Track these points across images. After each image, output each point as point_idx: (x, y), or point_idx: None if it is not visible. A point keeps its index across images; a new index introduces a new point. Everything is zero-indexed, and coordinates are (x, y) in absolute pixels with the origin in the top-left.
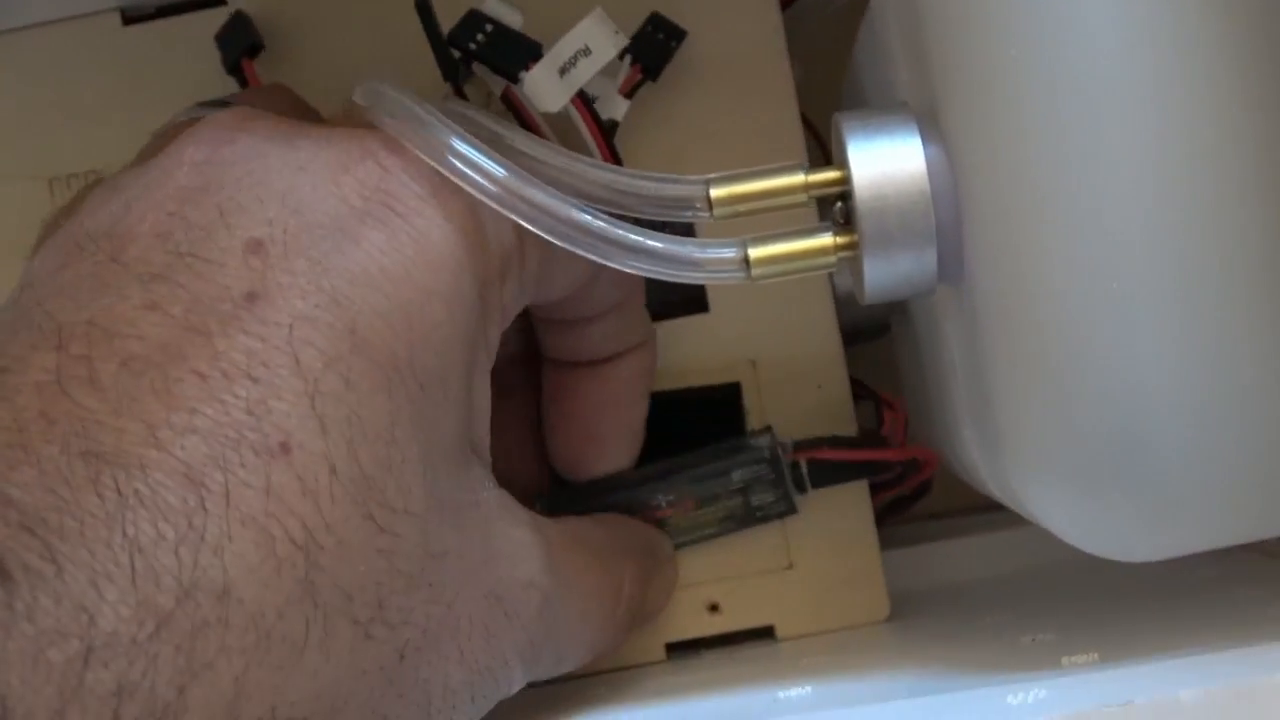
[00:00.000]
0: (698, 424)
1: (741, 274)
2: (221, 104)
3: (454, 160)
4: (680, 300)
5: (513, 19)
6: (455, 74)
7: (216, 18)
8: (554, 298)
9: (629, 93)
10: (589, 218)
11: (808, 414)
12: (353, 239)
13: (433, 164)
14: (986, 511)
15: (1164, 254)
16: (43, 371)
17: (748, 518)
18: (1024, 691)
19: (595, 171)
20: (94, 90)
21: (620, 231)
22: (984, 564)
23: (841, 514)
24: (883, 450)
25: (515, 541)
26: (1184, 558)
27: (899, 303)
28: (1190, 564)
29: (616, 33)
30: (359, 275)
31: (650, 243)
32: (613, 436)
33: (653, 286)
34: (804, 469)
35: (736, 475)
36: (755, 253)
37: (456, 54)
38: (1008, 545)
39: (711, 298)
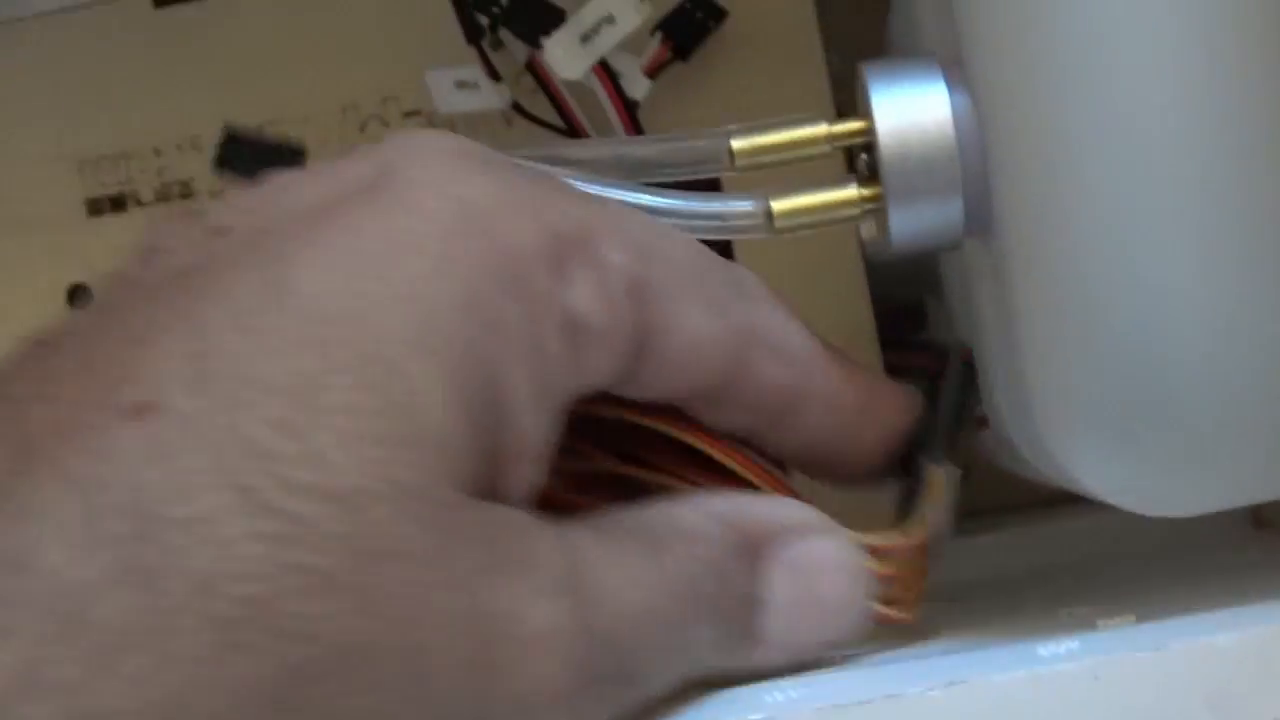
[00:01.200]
0: None
1: (764, 226)
2: None
3: None
4: None
5: None
6: (479, 37)
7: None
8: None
9: (654, 72)
10: (598, 187)
11: None
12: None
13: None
14: (1016, 511)
15: (1201, 200)
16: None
17: None
18: (1056, 644)
19: (611, 145)
20: (125, 73)
21: (636, 194)
22: (1015, 557)
23: None
24: None
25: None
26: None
27: (934, 282)
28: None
29: (641, 2)
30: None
31: (669, 200)
32: None
33: None
34: None
35: None
36: (777, 205)
37: (481, 18)
38: (1040, 539)
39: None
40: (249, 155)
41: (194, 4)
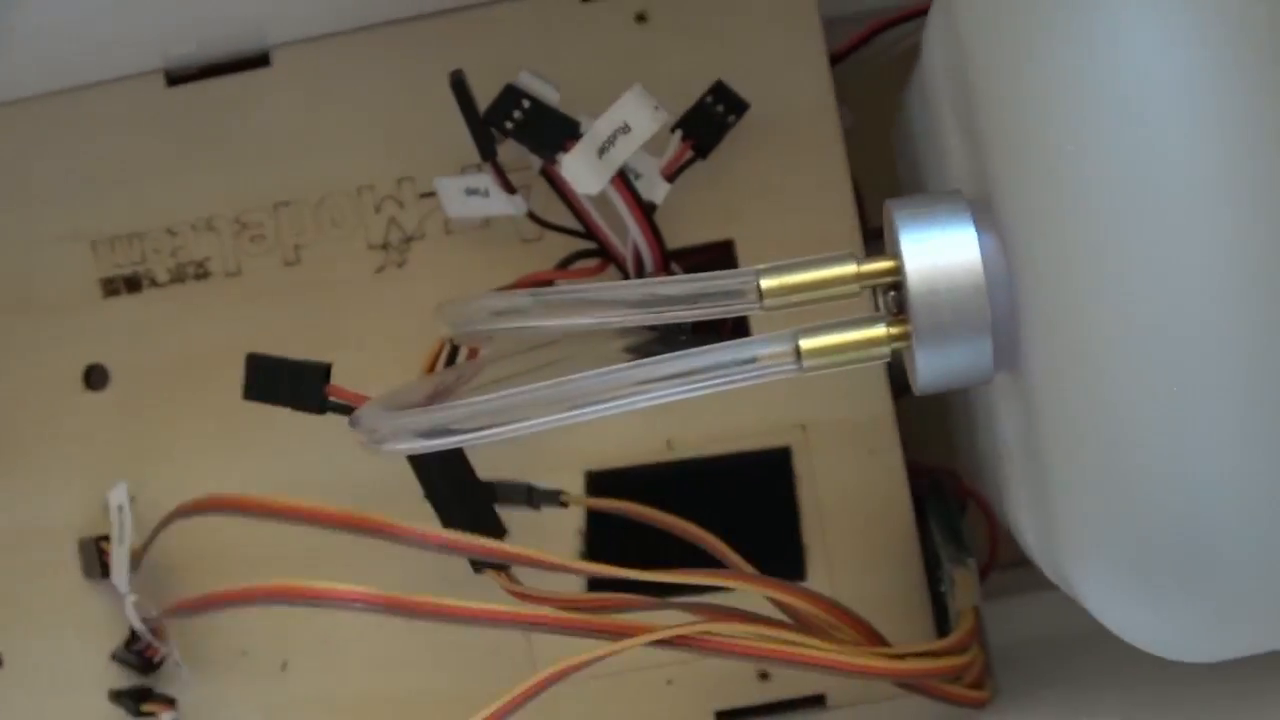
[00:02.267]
0: (746, 491)
1: (793, 367)
2: None
3: None
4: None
5: (550, 95)
6: (492, 152)
7: (261, 78)
8: None
9: (673, 174)
10: (626, 373)
11: (862, 480)
12: None
13: None
14: None
15: (1231, 350)
16: None
17: None
18: None
19: (640, 287)
20: (138, 151)
21: (657, 366)
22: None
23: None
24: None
25: None
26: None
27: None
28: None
29: (657, 109)
30: None
31: (691, 361)
32: None
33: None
34: None
35: None
36: (806, 344)
37: (494, 133)
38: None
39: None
40: (274, 380)
41: (208, 82)
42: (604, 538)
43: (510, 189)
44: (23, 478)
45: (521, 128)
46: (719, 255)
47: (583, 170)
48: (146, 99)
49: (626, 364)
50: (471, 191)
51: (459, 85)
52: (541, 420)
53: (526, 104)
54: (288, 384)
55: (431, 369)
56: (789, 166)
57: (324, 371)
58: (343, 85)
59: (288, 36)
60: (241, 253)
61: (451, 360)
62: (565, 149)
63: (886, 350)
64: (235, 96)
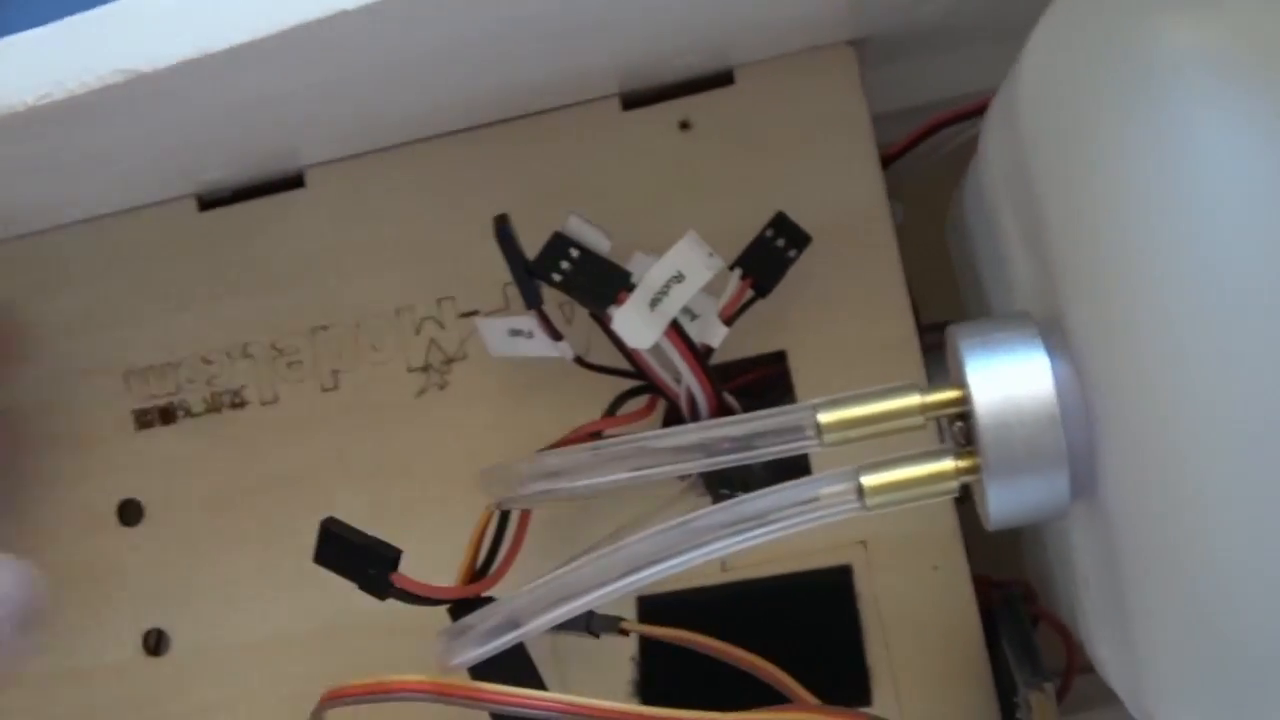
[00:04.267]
0: (805, 612)
1: (856, 506)
2: None
3: None
4: (779, 472)
5: (600, 243)
6: (538, 301)
7: (295, 199)
8: None
9: (732, 317)
10: (681, 529)
11: (927, 598)
12: None
13: None
14: None
15: None
16: None
17: None
18: None
19: (695, 432)
20: (170, 278)
21: (711, 516)
22: None
23: None
24: None
25: None
26: None
27: None
28: None
29: (711, 255)
30: None
31: (747, 507)
32: None
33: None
34: None
35: None
36: (869, 481)
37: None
38: None
39: (815, 469)
40: (344, 552)
41: (240, 206)
42: (659, 663)
43: (557, 336)
44: (55, 616)
45: (570, 279)
46: (772, 367)
47: (635, 324)
48: (178, 224)
49: (679, 519)
50: (515, 332)
51: (504, 233)
52: (605, 590)
53: (575, 253)
54: (356, 561)
55: (479, 541)
56: (842, 273)
57: (392, 560)
58: (378, 204)
59: (321, 157)
60: (278, 380)
61: (501, 529)
62: (617, 301)
63: (955, 485)
64: (269, 219)
